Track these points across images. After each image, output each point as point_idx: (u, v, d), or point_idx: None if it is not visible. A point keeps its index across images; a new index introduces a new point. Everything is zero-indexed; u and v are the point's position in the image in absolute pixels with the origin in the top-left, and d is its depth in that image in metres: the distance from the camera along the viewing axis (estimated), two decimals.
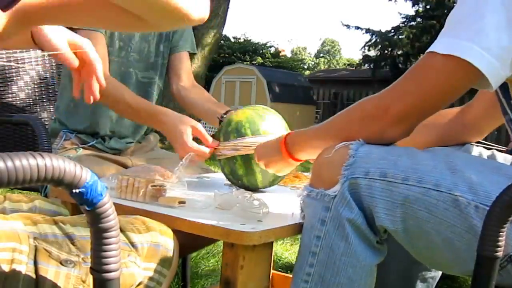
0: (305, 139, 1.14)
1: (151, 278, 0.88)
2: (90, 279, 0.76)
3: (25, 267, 0.73)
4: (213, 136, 1.43)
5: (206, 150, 1.41)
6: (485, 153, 1.22)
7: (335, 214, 0.96)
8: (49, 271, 0.74)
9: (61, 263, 0.76)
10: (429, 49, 0.94)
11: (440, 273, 1.31)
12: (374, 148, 0.98)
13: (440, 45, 0.92)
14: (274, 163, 1.21)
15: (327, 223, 0.97)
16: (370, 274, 0.98)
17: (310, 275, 0.98)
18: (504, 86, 0.98)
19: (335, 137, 1.03)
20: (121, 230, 0.85)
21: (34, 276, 0.73)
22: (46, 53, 1.21)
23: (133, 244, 0.86)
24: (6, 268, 0.71)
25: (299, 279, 1.00)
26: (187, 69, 1.89)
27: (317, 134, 1.11)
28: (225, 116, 1.56)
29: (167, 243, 0.93)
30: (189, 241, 1.69)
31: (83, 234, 0.82)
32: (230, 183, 1.45)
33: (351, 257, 0.96)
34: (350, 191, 0.95)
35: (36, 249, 0.75)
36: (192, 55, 1.93)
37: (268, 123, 1.37)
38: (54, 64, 2.10)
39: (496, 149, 1.22)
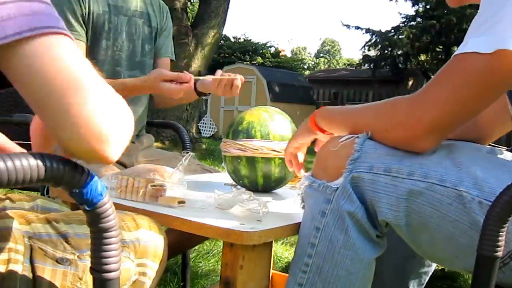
0: (329, 121, 1.11)
1: (143, 274, 0.89)
2: (86, 276, 0.76)
3: (21, 267, 0.73)
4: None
5: (181, 86, 1.57)
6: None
7: (335, 207, 0.97)
8: (46, 269, 0.74)
9: (57, 262, 0.76)
10: (463, 51, 0.88)
11: (432, 268, 1.32)
12: (379, 143, 0.98)
13: (480, 45, 0.86)
14: (300, 129, 1.20)
15: (327, 215, 0.98)
16: (369, 268, 0.99)
17: (308, 265, 0.99)
18: None
19: (360, 132, 1.00)
20: None
21: (31, 275, 0.73)
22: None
23: (124, 241, 0.87)
24: (2, 268, 0.71)
25: (297, 269, 1.01)
26: None
27: (344, 121, 1.07)
28: (201, 72, 1.72)
29: (156, 238, 0.94)
30: (186, 238, 1.70)
31: (77, 231, 0.82)
32: (230, 183, 1.45)
33: (350, 250, 0.96)
34: (352, 185, 0.96)
35: (31, 248, 0.76)
36: (171, 61, 2.01)
37: (279, 128, 1.36)
38: None
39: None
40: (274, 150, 1.32)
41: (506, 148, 1.18)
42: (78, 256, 0.78)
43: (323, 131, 1.14)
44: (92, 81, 0.60)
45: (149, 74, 1.62)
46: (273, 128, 1.35)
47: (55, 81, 0.57)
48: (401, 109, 0.93)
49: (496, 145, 1.18)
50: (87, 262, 0.76)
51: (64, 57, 0.58)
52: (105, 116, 0.59)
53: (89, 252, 0.72)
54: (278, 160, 1.33)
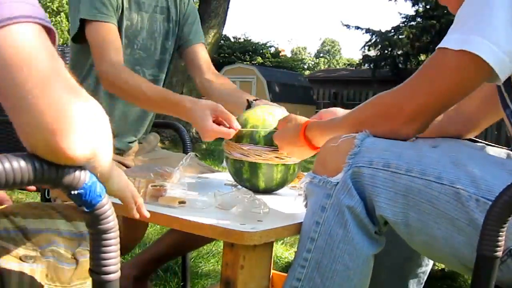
0: (322, 132, 1.16)
1: None
2: (52, 273, 0.74)
3: None
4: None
5: (229, 131, 1.34)
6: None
7: (335, 201, 0.98)
8: (12, 269, 0.71)
9: (21, 259, 0.73)
10: (440, 45, 0.95)
11: (430, 267, 1.32)
12: (379, 139, 1.00)
13: (451, 41, 0.93)
14: (296, 150, 1.25)
15: (327, 209, 0.99)
16: (367, 264, 0.99)
17: (307, 260, 1.00)
18: (506, 81, 0.98)
19: (350, 132, 1.05)
20: (69, 219, 0.84)
21: None
22: None
23: (81, 233, 0.83)
24: None
25: (296, 264, 1.01)
26: (205, 60, 1.84)
27: (334, 128, 1.13)
28: (253, 102, 1.54)
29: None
30: (188, 239, 1.70)
31: (35, 227, 0.78)
32: (230, 183, 1.45)
33: (349, 245, 0.97)
34: (353, 180, 0.97)
35: None
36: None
37: None
38: None
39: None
40: (277, 157, 1.31)
41: (507, 148, 1.18)
42: (40, 253, 0.75)
43: (315, 147, 1.19)
44: (56, 72, 0.58)
45: (204, 104, 1.39)
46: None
47: (17, 71, 0.56)
48: (385, 102, 1.02)
49: (497, 145, 1.18)
50: (51, 259, 0.74)
51: (28, 46, 0.57)
52: (65, 107, 0.56)
53: (50, 248, 0.71)
54: (280, 166, 1.32)
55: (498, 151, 1.15)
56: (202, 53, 1.84)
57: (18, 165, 0.56)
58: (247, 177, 1.34)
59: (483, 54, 0.89)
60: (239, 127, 1.34)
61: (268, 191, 1.37)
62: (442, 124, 1.22)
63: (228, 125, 1.36)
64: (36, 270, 0.73)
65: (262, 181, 1.33)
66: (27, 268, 0.72)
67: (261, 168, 1.31)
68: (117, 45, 1.59)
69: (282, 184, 1.36)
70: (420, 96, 0.97)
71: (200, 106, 1.39)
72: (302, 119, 1.25)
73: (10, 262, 0.71)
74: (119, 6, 1.63)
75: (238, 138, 1.35)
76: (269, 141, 1.31)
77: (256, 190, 1.35)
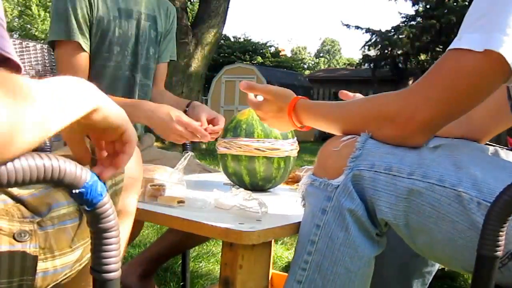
0: (313, 114, 1.12)
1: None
2: (51, 242, 0.70)
3: None
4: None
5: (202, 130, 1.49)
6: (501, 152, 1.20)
7: (336, 204, 0.97)
8: (2, 252, 0.66)
9: (14, 239, 0.67)
10: (455, 46, 0.88)
11: (436, 268, 1.32)
12: (381, 142, 0.98)
13: (470, 42, 0.86)
14: (278, 123, 1.22)
15: (328, 212, 0.98)
16: (368, 265, 0.99)
17: (307, 263, 0.99)
18: None
19: (345, 129, 1.01)
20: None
21: None
22: None
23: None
24: None
25: (296, 266, 1.01)
26: (163, 77, 1.96)
27: (328, 116, 1.08)
28: (187, 109, 1.68)
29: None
30: (187, 238, 1.70)
31: (33, 191, 0.72)
32: (229, 182, 1.45)
33: (350, 248, 0.96)
34: (353, 183, 0.96)
35: None
36: (170, 61, 1.98)
37: (265, 128, 1.36)
38: (47, 59, 2.08)
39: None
40: (257, 149, 1.32)
41: (507, 148, 1.18)
42: (38, 223, 0.69)
43: (300, 123, 1.16)
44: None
45: (167, 109, 1.51)
46: (258, 127, 1.35)
47: None
48: (393, 107, 0.94)
49: (498, 146, 1.18)
50: (49, 228, 0.70)
51: None
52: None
53: (49, 215, 0.69)
54: (262, 158, 1.33)
55: (503, 153, 1.15)
56: (163, 71, 1.94)
57: (20, 164, 0.56)
58: (232, 171, 1.36)
59: (506, 53, 0.83)
60: (204, 133, 1.49)
61: (257, 187, 1.37)
62: (451, 129, 1.17)
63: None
64: (28, 250, 0.68)
65: (245, 174, 1.34)
66: (19, 249, 0.67)
67: (242, 161, 1.33)
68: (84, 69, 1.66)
69: (268, 179, 1.36)
70: (434, 104, 0.89)
71: (169, 114, 1.50)
72: (287, 94, 1.22)
73: (1, 245, 0.66)
74: (93, 20, 1.67)
75: (223, 133, 1.40)
76: (250, 135, 1.34)
77: (244, 186, 1.36)
